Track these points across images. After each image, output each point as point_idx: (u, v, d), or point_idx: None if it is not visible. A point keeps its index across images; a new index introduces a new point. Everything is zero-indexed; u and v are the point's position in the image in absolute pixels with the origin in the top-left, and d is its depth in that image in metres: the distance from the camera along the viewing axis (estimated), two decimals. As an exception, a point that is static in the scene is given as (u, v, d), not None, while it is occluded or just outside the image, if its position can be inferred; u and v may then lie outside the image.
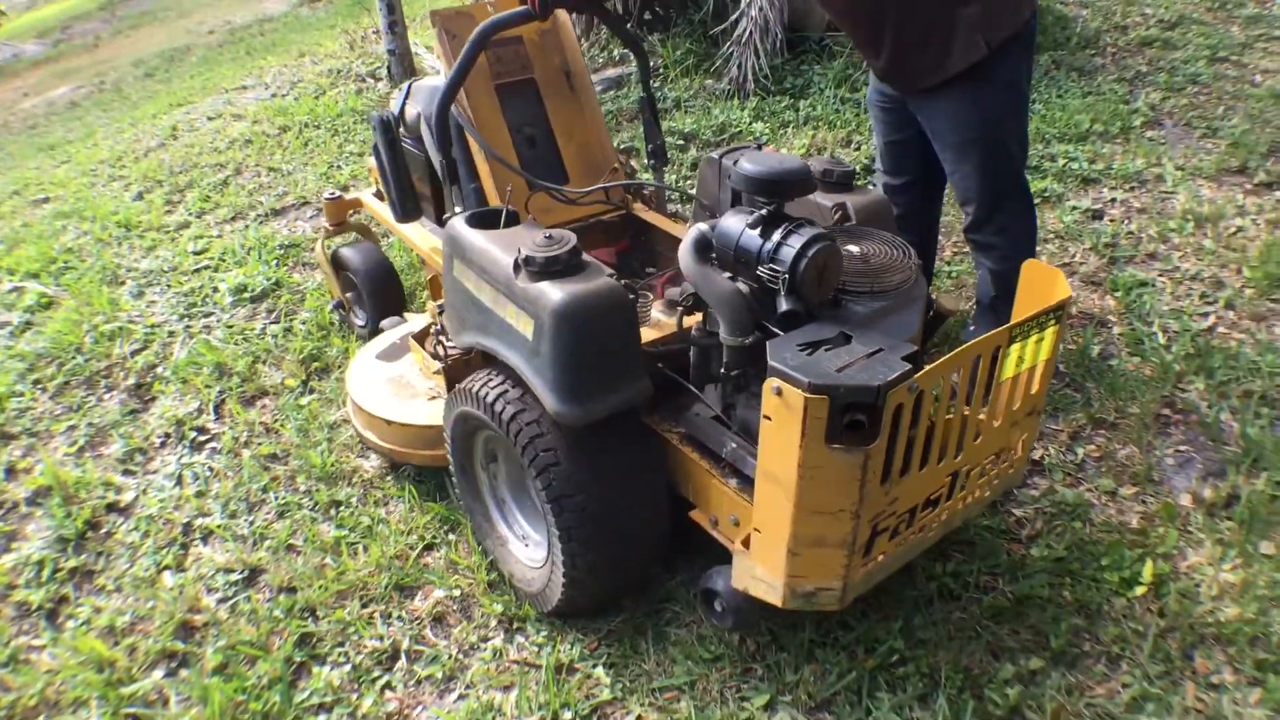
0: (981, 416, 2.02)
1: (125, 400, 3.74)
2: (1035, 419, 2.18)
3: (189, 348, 3.98)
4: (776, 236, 2.02)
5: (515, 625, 2.57)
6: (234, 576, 2.84)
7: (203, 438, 3.48)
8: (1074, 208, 4.25)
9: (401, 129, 3.11)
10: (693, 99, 5.69)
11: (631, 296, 2.16)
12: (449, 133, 2.72)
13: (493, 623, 2.59)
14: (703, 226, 2.16)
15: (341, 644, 2.57)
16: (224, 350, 3.91)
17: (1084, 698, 2.23)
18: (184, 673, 2.56)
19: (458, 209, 2.81)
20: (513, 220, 2.44)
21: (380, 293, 3.74)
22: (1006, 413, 2.05)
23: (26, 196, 6.29)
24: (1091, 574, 2.52)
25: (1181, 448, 2.96)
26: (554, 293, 2.07)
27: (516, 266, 2.16)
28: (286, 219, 5.13)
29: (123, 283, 4.61)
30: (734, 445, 2.22)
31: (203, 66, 10.15)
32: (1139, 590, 2.46)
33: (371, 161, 3.49)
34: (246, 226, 5.05)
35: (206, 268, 4.64)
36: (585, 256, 2.20)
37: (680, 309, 2.32)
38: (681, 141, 5.20)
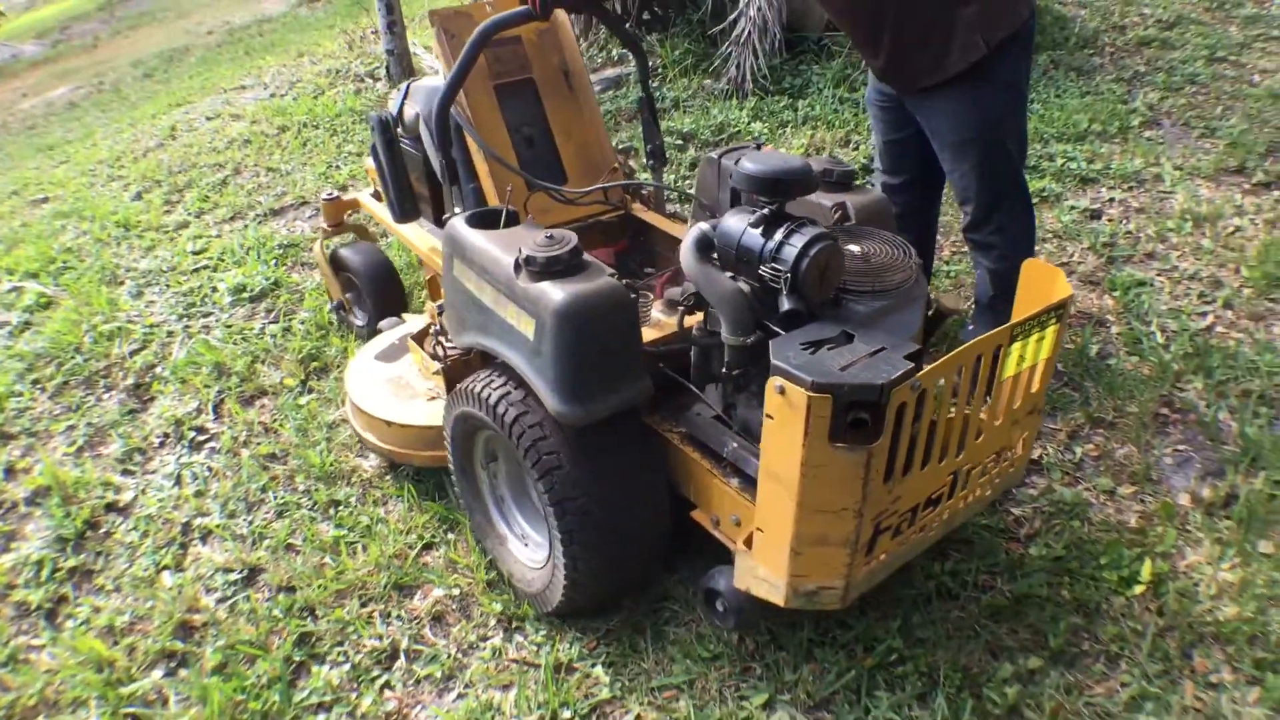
0: (983, 416, 2.03)
1: (124, 400, 3.74)
2: (1036, 418, 2.19)
3: (188, 347, 3.98)
4: (778, 236, 2.02)
5: (514, 624, 2.57)
6: (233, 576, 2.84)
7: (201, 437, 3.48)
8: (1072, 207, 4.26)
9: (400, 129, 3.11)
10: (691, 99, 5.69)
11: (633, 296, 2.15)
12: (449, 133, 2.71)
13: (492, 622, 2.59)
14: (704, 226, 2.16)
15: (341, 643, 2.57)
16: (223, 350, 3.91)
17: (1083, 697, 2.23)
18: (183, 672, 2.56)
19: (457, 209, 2.81)
20: (512, 220, 2.44)
21: (381, 292, 3.74)
22: (1007, 411, 2.05)
23: (25, 196, 6.29)
24: (1090, 573, 2.53)
25: (1180, 447, 2.96)
26: (555, 293, 2.06)
27: (517, 266, 2.16)
28: (285, 219, 5.13)
29: (122, 283, 4.61)
30: (735, 445, 2.22)
31: (201, 67, 10.15)
32: (1137, 589, 2.47)
33: (369, 162, 3.49)
34: (245, 226, 5.05)
35: (205, 267, 4.64)
36: (586, 256, 2.20)
37: (681, 308, 2.31)
38: (680, 141, 5.20)
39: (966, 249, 3.65)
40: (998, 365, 1.94)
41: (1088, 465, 2.92)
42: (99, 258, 4.87)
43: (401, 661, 2.51)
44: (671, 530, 2.41)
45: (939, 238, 3.85)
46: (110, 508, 3.20)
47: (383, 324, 3.43)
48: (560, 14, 3.05)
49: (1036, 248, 3.29)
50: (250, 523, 3.04)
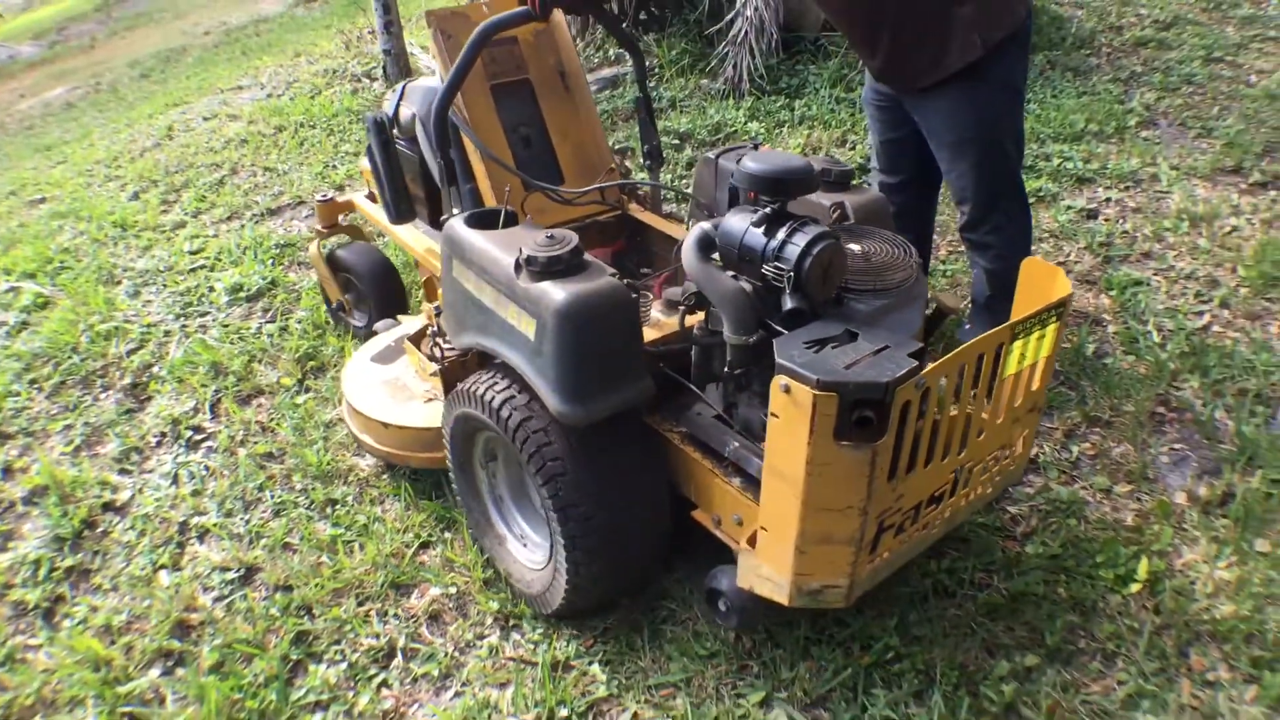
0: (984, 414, 2.03)
1: (121, 400, 3.74)
2: (1036, 415, 2.19)
3: (185, 347, 3.98)
4: (781, 235, 2.02)
5: (511, 623, 2.57)
6: (230, 575, 2.83)
7: (199, 437, 3.48)
8: (1069, 207, 4.26)
9: (395, 130, 3.10)
10: (688, 99, 5.70)
11: (634, 296, 2.16)
12: (448, 134, 2.71)
13: (489, 620, 2.59)
14: (706, 225, 2.16)
15: (338, 642, 2.57)
16: (220, 349, 3.91)
17: (1079, 695, 2.24)
18: (180, 671, 2.56)
19: (455, 210, 2.81)
20: (511, 220, 2.43)
21: (382, 292, 3.73)
22: (1008, 409, 2.06)
23: (23, 197, 6.28)
24: (1087, 571, 2.53)
25: (1176, 446, 2.96)
26: (557, 292, 2.06)
27: (518, 266, 2.16)
28: (282, 218, 5.13)
29: (119, 282, 4.61)
30: (737, 444, 2.22)
31: (198, 67, 10.14)
32: (1134, 587, 2.47)
33: (364, 163, 3.48)
34: (242, 226, 5.05)
35: (202, 267, 4.64)
36: (587, 256, 2.20)
37: (682, 308, 2.31)
38: (677, 141, 5.20)
39: (963, 248, 3.65)
40: (999, 363, 1.94)
41: (1084, 464, 2.92)
42: (96, 258, 4.86)
43: (398, 660, 2.51)
44: (672, 531, 2.41)
45: (935, 237, 3.85)
46: (107, 507, 3.19)
47: (378, 325, 3.42)
48: (557, 14, 3.05)
49: (1033, 247, 3.30)
50: (247, 522, 3.04)
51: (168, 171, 5.98)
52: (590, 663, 2.42)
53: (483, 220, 2.43)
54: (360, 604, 2.68)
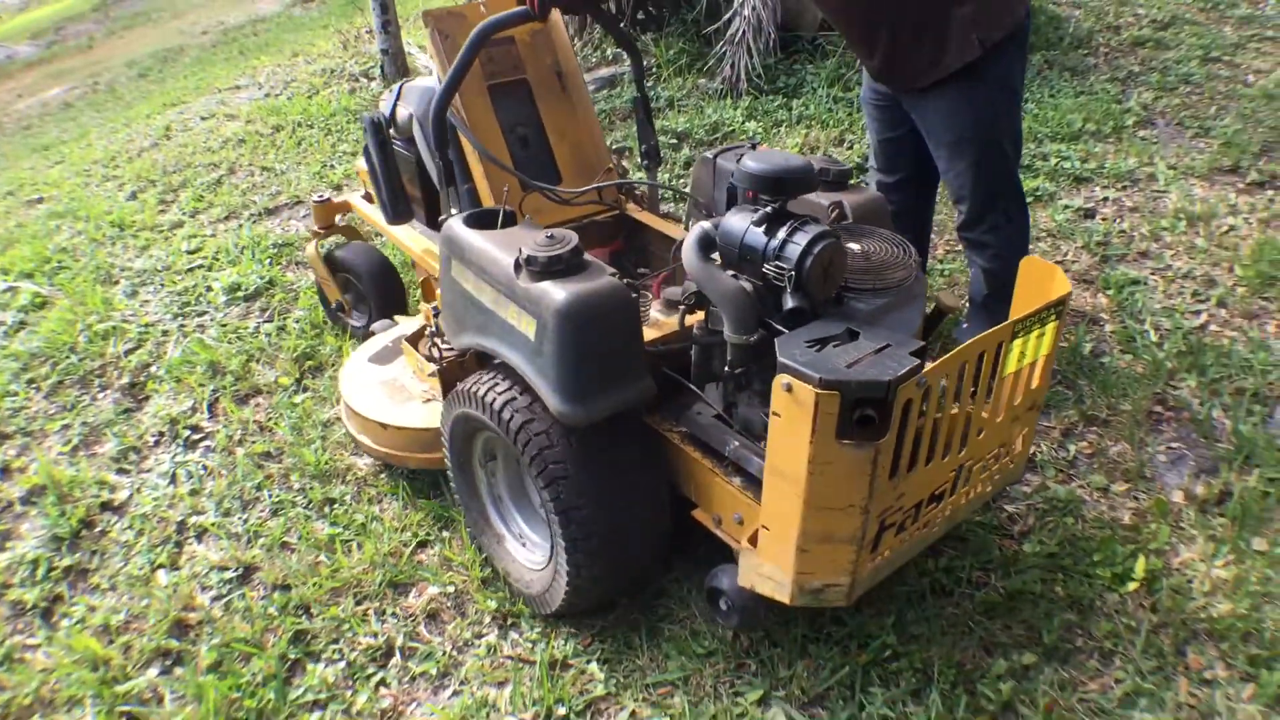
0: (985, 413, 2.03)
1: (119, 399, 3.74)
2: (1035, 414, 2.20)
3: (183, 346, 3.97)
4: (782, 234, 2.02)
5: (509, 621, 2.57)
6: (228, 574, 2.84)
7: (196, 436, 3.48)
8: (1066, 206, 4.27)
9: (392, 130, 3.09)
10: (686, 98, 5.70)
11: (634, 295, 2.16)
12: (446, 134, 2.70)
13: (487, 619, 2.59)
14: (706, 225, 2.16)
15: (336, 641, 2.57)
16: (217, 349, 3.91)
17: (1077, 693, 2.24)
18: (179, 670, 2.56)
19: (454, 210, 2.80)
20: (510, 220, 2.43)
21: (382, 292, 3.73)
22: (1009, 408, 2.06)
23: (21, 197, 6.27)
24: (1084, 570, 2.54)
25: (1173, 445, 2.97)
26: (557, 292, 2.06)
27: (518, 266, 2.16)
28: (280, 218, 5.13)
29: (116, 282, 4.60)
30: (737, 444, 2.22)
31: (196, 67, 10.13)
32: (1131, 586, 2.47)
33: (361, 164, 3.48)
34: (240, 226, 5.05)
35: (200, 267, 4.64)
36: (587, 256, 2.19)
37: (682, 308, 2.32)
38: (675, 140, 5.21)
39: (960, 247, 3.65)
40: (999, 362, 1.95)
41: (1081, 463, 2.93)
42: (94, 257, 4.86)
43: (396, 659, 2.51)
44: (673, 531, 2.41)
45: (933, 236, 3.85)
46: (105, 506, 3.19)
47: (375, 326, 3.42)
48: (554, 14, 3.05)
49: (1030, 247, 3.30)
50: (245, 521, 3.04)
51: (165, 171, 5.98)
52: (588, 661, 2.42)
53: (481, 220, 2.43)
54: (358, 603, 2.68)
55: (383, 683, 2.46)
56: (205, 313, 4.24)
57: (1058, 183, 4.47)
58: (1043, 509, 2.76)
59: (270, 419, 3.50)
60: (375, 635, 2.57)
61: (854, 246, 2.26)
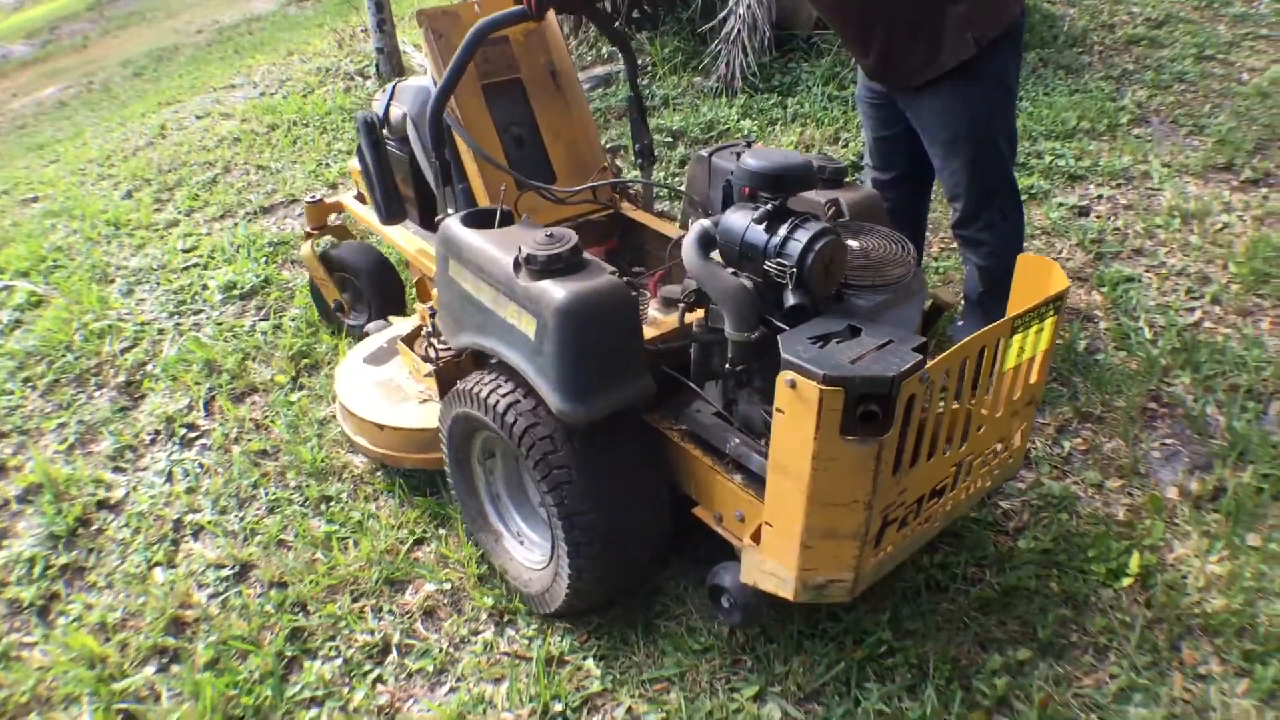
0: (984, 408, 2.04)
1: (115, 398, 3.74)
2: (1033, 409, 2.21)
3: (179, 345, 3.97)
4: (782, 231, 2.02)
5: (506, 618, 2.58)
6: (225, 572, 2.84)
7: (193, 434, 3.48)
8: (1061, 204, 4.28)
9: (385, 130, 3.09)
10: (681, 96, 5.70)
11: (634, 294, 2.16)
12: (443, 134, 2.70)
13: (483, 616, 2.59)
14: (706, 223, 2.16)
15: (332, 638, 2.58)
16: (213, 347, 3.90)
17: (1071, 688, 2.25)
18: (175, 668, 2.56)
19: (450, 210, 2.80)
20: (507, 220, 2.43)
21: (381, 290, 3.72)
22: (1008, 403, 2.07)
23: (16, 196, 6.26)
24: (1078, 565, 2.54)
25: (1168, 441, 2.98)
26: (558, 291, 2.06)
27: (517, 265, 2.15)
28: (275, 216, 5.13)
29: (112, 281, 4.60)
30: (737, 441, 2.22)
31: (191, 66, 10.12)
32: (1126, 582, 2.48)
33: (354, 164, 3.48)
34: (235, 224, 5.05)
35: (196, 265, 4.64)
36: (586, 255, 2.20)
37: (682, 306, 2.32)
38: (670, 139, 5.21)
39: (955, 245, 3.66)
40: (998, 357, 1.95)
41: (1076, 459, 2.94)
42: (89, 256, 4.86)
43: (393, 656, 2.52)
44: (673, 529, 2.41)
45: (928, 233, 3.86)
46: (102, 505, 3.19)
47: (369, 327, 3.41)
48: (548, 14, 3.04)
49: (1025, 244, 3.31)
50: (242, 519, 3.04)
51: (161, 170, 5.97)
52: (585, 658, 2.43)
53: (479, 220, 2.43)
54: (355, 600, 2.68)
55: (379, 679, 2.46)
56: (201, 311, 4.24)
57: (1052, 180, 4.48)
58: (1037, 505, 2.76)
59: (266, 417, 3.50)
60: (372, 632, 2.58)
61: (853, 243, 2.26)
